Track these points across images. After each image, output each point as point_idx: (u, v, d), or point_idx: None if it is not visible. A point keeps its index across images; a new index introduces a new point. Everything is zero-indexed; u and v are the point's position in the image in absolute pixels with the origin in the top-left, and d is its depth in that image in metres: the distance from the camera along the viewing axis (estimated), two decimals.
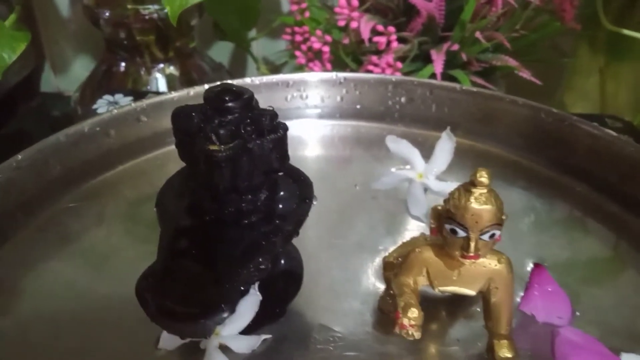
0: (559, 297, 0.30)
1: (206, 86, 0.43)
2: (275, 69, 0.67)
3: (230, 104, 0.25)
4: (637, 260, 0.34)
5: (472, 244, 0.24)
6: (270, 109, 0.26)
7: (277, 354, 0.28)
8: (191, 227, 0.27)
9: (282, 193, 0.29)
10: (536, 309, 0.30)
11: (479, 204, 0.24)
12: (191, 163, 0.27)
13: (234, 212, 0.27)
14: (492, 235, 0.25)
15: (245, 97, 0.26)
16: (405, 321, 0.25)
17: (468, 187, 0.24)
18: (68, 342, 0.29)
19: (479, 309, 0.30)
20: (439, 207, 0.26)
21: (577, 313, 0.30)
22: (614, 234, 0.36)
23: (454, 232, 0.25)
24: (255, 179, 0.27)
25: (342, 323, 0.30)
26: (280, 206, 0.28)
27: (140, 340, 0.28)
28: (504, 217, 0.25)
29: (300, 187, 0.30)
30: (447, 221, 0.25)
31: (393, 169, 0.38)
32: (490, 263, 0.26)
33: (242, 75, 0.70)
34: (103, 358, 0.28)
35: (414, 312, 0.25)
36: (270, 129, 0.26)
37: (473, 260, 0.26)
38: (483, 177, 0.24)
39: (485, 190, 0.24)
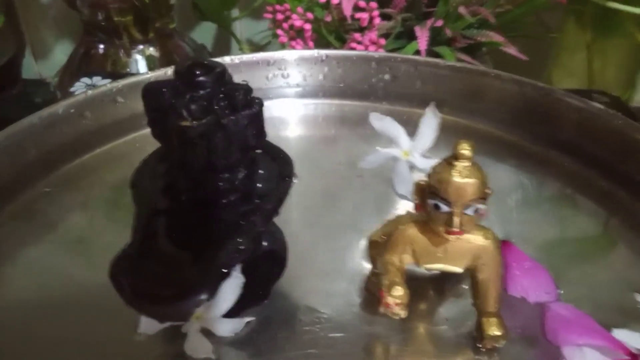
0: (539, 271, 0.29)
1: None
2: (258, 50, 0.66)
3: (201, 78, 0.24)
4: (628, 236, 0.33)
5: (456, 219, 0.24)
6: (245, 82, 0.25)
7: (261, 337, 0.28)
8: (167, 208, 0.26)
9: (261, 171, 0.28)
10: (524, 289, 0.29)
11: (461, 177, 0.23)
12: (165, 141, 0.26)
13: (210, 192, 0.26)
14: (476, 210, 0.24)
15: (217, 71, 0.24)
16: (390, 300, 0.24)
17: (450, 160, 0.24)
18: (48, 329, 0.28)
19: (466, 287, 0.29)
20: (422, 182, 0.25)
21: (561, 291, 0.29)
22: (603, 210, 0.35)
23: (437, 207, 0.24)
24: (232, 157, 0.26)
25: (328, 304, 0.29)
26: (260, 185, 0.27)
27: (120, 325, 0.27)
28: (488, 191, 0.24)
29: (280, 165, 0.29)
30: (430, 196, 0.24)
31: (378, 148, 0.37)
32: (476, 239, 0.26)
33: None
34: (83, 344, 0.27)
35: (399, 290, 0.24)
36: (244, 104, 0.25)
37: (458, 236, 0.25)
38: (465, 149, 0.23)
39: (468, 163, 0.23)
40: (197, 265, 0.24)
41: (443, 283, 0.30)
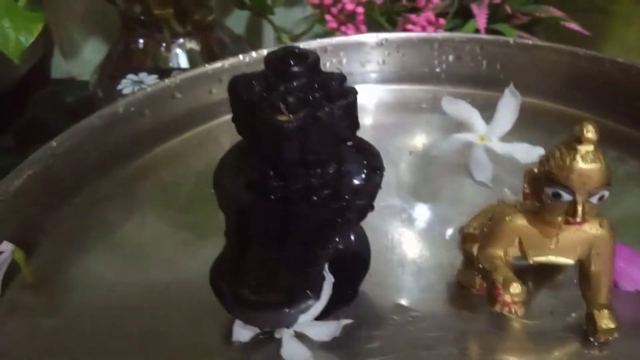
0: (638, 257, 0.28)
1: (241, 57, 0.40)
2: (294, 39, 0.64)
3: (296, 69, 0.22)
4: None
5: (580, 208, 0.22)
6: (338, 71, 0.24)
7: (355, 339, 0.26)
8: (256, 207, 0.25)
9: (349, 165, 0.26)
10: (634, 281, 0.27)
11: (586, 163, 0.22)
12: (251, 136, 0.25)
13: (302, 189, 0.24)
14: (602, 197, 0.22)
15: (311, 60, 0.23)
16: (508, 297, 0.23)
17: (572, 144, 0.22)
18: (126, 329, 0.27)
19: (562, 277, 0.28)
20: (535, 170, 0.23)
21: None
22: None
23: (557, 196, 0.22)
24: (325, 151, 0.24)
25: (420, 301, 0.28)
26: (350, 179, 0.26)
27: (204, 331, 0.26)
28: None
29: (367, 157, 0.27)
30: (547, 184, 0.22)
31: (453, 134, 0.35)
32: (591, 228, 0.24)
33: (260, 46, 0.67)
34: (167, 349, 0.26)
35: (517, 288, 0.23)
36: (339, 94, 0.23)
37: (577, 227, 0.23)
38: (590, 132, 0.21)
39: (592, 147, 0.22)
40: (302, 269, 0.22)
41: (541, 274, 0.28)
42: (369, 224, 0.30)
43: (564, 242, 0.24)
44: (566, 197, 0.22)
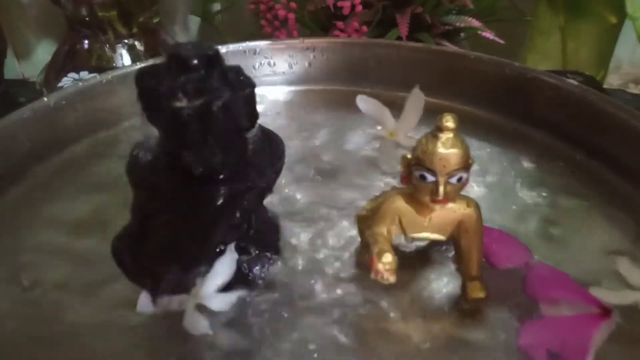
0: (508, 238, 0.31)
1: None
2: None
3: (194, 61, 0.25)
4: (604, 207, 0.35)
5: (441, 188, 0.25)
6: (236, 65, 0.26)
7: (253, 316, 0.28)
8: (163, 187, 0.27)
9: (253, 151, 0.29)
10: (507, 258, 0.30)
11: (445, 148, 0.25)
12: (159, 124, 0.27)
13: (206, 171, 0.27)
14: (460, 179, 0.25)
15: (209, 53, 0.25)
16: (380, 266, 0.25)
17: (435, 132, 0.25)
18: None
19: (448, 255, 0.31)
20: (408, 156, 0.26)
21: (536, 257, 0.31)
22: (579, 181, 0.37)
23: (423, 177, 0.25)
24: (226, 137, 0.27)
25: (320, 277, 0.30)
26: (253, 164, 0.28)
27: (119, 305, 0.28)
28: (470, 161, 0.26)
29: (272, 145, 0.30)
30: (416, 167, 0.26)
31: (363, 129, 0.38)
32: (459, 208, 0.27)
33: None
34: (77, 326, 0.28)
35: (388, 257, 0.25)
36: (237, 85, 0.26)
37: (442, 205, 0.26)
38: (449, 121, 0.25)
39: (451, 135, 0.25)
40: (197, 241, 0.25)
41: (425, 255, 0.32)
42: (278, 211, 0.33)
43: (436, 220, 0.27)
44: (430, 178, 0.25)
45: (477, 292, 0.28)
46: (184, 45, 0.26)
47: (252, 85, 0.27)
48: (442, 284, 0.30)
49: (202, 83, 0.25)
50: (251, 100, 0.27)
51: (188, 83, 0.25)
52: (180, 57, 0.25)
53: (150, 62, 0.41)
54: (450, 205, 0.27)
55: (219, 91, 0.25)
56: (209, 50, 0.25)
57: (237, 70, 0.26)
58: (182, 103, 0.24)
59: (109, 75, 0.40)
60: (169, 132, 0.26)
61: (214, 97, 0.25)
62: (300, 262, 0.32)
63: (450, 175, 0.25)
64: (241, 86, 0.26)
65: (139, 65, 0.42)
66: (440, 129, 0.25)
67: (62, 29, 0.62)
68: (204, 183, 0.27)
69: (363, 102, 0.39)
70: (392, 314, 0.29)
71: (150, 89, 0.26)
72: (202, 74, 0.25)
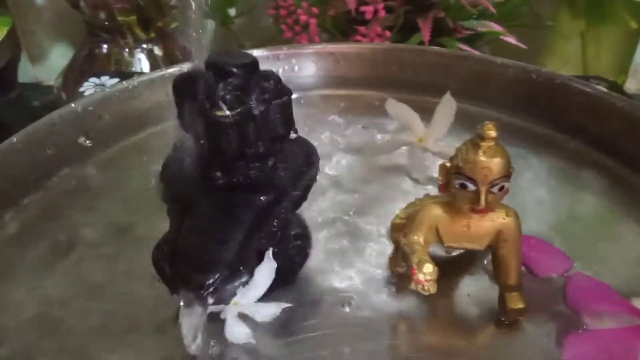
0: (546, 246, 0.31)
1: (197, 62, 0.42)
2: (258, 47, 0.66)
3: (234, 69, 0.25)
4: (634, 211, 0.35)
5: (483, 197, 0.25)
6: (274, 72, 0.26)
7: (294, 321, 0.28)
8: (200, 197, 0.27)
9: (288, 159, 0.29)
10: (549, 267, 0.30)
11: (487, 157, 0.24)
12: (195, 132, 0.27)
13: (242, 180, 0.27)
14: (502, 188, 0.25)
15: (248, 62, 0.25)
16: (421, 276, 0.25)
17: (476, 141, 0.25)
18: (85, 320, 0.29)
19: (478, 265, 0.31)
20: (447, 164, 0.26)
21: (575, 264, 0.30)
22: (610, 187, 0.37)
23: (463, 186, 0.25)
24: (262, 146, 0.26)
25: (354, 285, 0.30)
26: (288, 172, 0.28)
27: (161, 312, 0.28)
28: (511, 170, 0.25)
29: (305, 153, 0.30)
30: (456, 176, 0.25)
31: (391, 135, 0.38)
32: (498, 217, 0.27)
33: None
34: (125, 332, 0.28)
35: (429, 267, 0.25)
36: (274, 93, 0.26)
37: (482, 215, 0.26)
38: (490, 129, 0.24)
39: (493, 143, 0.25)
40: (236, 249, 0.24)
41: (462, 263, 0.31)
42: (311, 220, 0.33)
43: (474, 229, 0.27)
44: (471, 187, 0.25)
45: (517, 302, 0.27)
46: (223, 53, 0.25)
47: (289, 93, 0.27)
48: (479, 293, 0.30)
49: (241, 91, 0.25)
50: (287, 108, 0.27)
51: (228, 92, 0.24)
52: (220, 66, 0.25)
53: (182, 68, 0.41)
54: (489, 214, 0.26)
55: (257, 100, 0.25)
56: (247, 59, 0.25)
57: (274, 77, 0.26)
58: (222, 112, 0.24)
59: (134, 81, 0.40)
60: (206, 139, 0.26)
61: (253, 105, 0.25)
62: (331, 269, 0.31)
63: (491, 184, 0.25)
64: (278, 94, 0.26)
65: (163, 71, 0.42)
66: (481, 137, 0.24)
67: (77, 33, 0.62)
68: (241, 192, 0.27)
69: (392, 107, 0.38)
70: (428, 325, 0.28)
71: (188, 96, 0.25)
72: (240, 82, 0.25)
